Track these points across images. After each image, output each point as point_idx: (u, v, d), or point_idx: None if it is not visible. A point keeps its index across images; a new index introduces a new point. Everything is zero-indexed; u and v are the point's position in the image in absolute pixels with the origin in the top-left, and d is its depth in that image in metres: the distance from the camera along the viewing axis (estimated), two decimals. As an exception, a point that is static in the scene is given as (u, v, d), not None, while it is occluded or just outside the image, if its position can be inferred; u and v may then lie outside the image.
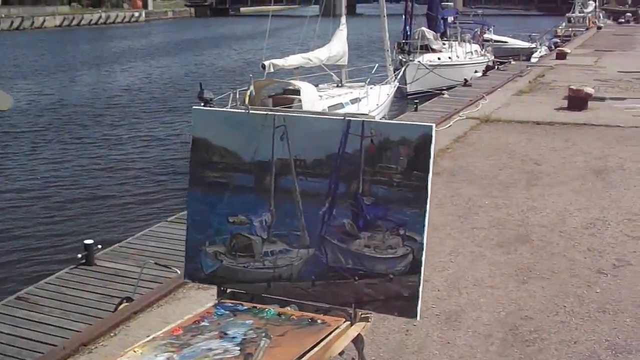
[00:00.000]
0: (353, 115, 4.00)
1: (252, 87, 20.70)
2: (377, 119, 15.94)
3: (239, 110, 4.59)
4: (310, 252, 3.96)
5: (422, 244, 3.79)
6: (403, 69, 32.76)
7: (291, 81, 23.79)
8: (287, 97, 22.92)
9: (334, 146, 3.83)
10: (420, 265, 3.77)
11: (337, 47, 26.44)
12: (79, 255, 10.89)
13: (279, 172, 3.97)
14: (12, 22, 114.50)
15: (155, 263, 10.38)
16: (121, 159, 24.31)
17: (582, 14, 76.48)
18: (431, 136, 3.81)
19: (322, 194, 3.89)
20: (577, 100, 20.17)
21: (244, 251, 4.09)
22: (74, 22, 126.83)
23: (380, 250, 3.83)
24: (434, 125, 3.97)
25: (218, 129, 4.07)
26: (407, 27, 38.03)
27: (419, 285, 3.75)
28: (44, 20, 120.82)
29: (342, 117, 3.87)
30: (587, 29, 69.26)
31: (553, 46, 52.19)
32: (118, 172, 22.50)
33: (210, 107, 20.27)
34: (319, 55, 25.54)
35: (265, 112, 4.07)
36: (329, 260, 3.92)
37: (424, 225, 3.80)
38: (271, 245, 4.03)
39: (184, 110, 31.20)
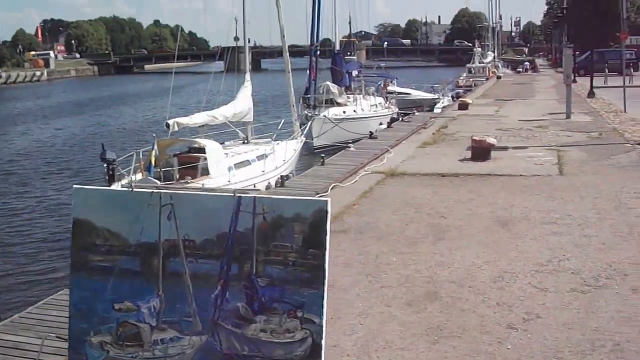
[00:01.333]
0: (244, 191, 3.79)
1: (156, 147, 20.34)
2: (274, 190, 15.68)
3: (122, 189, 4.33)
4: (203, 339, 3.70)
5: (321, 326, 3.57)
6: (309, 123, 32.95)
7: (196, 139, 23.56)
8: (192, 155, 22.69)
9: (225, 225, 3.61)
10: (321, 349, 3.55)
11: (242, 104, 26.44)
12: (-26, 329, 10.34)
13: (166, 254, 3.71)
14: None
15: (57, 336, 9.90)
16: (18, 225, 23.61)
17: (481, 64, 78.67)
18: (327, 211, 3.62)
19: (213, 276, 3.65)
20: (481, 151, 20.39)
21: (131, 340, 3.81)
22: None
23: (278, 334, 3.60)
24: (329, 200, 3.78)
25: (101, 209, 3.80)
26: (312, 82, 38.31)
27: (321, 370, 3.52)
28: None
29: (232, 194, 3.65)
30: (487, 78, 71.11)
31: (455, 97, 53.29)
32: (15, 239, 21.82)
33: (113, 168, 19.99)
34: (224, 113, 25.47)
35: (150, 191, 3.82)
36: (223, 347, 3.67)
37: (322, 306, 3.58)
38: (161, 333, 3.75)
39: (86, 173, 30.61)
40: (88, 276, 3.90)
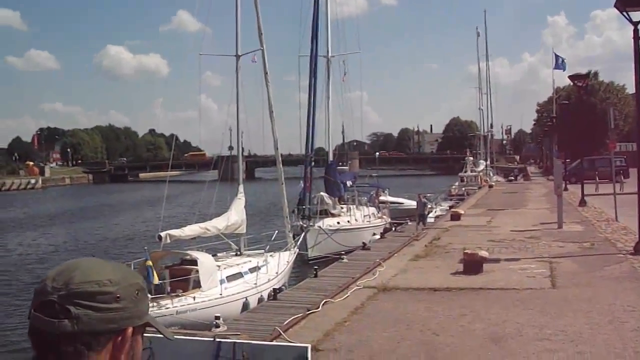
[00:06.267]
0: (224, 336, 3.72)
1: (148, 263, 20.23)
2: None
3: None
4: None
5: None
6: (303, 234, 32.93)
7: (188, 251, 23.52)
8: (184, 267, 22.64)
9: (204, 370, 3.54)
10: None
11: (235, 216, 26.54)
12: None
13: (144, 400, 3.63)
14: None
15: None
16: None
17: (474, 173, 79.25)
18: (307, 358, 3.55)
19: None
20: (473, 264, 20.33)
21: None
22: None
23: None
24: (309, 346, 3.72)
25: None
26: (305, 192, 38.41)
27: None
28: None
29: (212, 339, 3.58)
30: (479, 187, 71.52)
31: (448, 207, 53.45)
32: None
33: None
34: (216, 225, 25.54)
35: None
36: None
37: None
38: None
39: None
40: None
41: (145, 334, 3.71)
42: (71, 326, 1.74)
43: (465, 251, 21.27)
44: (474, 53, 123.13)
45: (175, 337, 4.04)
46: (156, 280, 19.78)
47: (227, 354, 3.29)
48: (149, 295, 1.94)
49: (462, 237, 28.52)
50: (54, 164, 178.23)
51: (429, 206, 51.24)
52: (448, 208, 50.83)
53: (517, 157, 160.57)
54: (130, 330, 1.85)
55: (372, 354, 12.43)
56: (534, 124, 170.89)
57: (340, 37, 48.96)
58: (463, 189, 69.84)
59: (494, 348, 12.63)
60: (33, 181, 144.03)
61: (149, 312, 1.98)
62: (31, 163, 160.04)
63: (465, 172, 78.44)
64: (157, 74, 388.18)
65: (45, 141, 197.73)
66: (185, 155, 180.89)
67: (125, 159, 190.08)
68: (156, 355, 3.61)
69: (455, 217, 37.36)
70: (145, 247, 22.25)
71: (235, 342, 3.23)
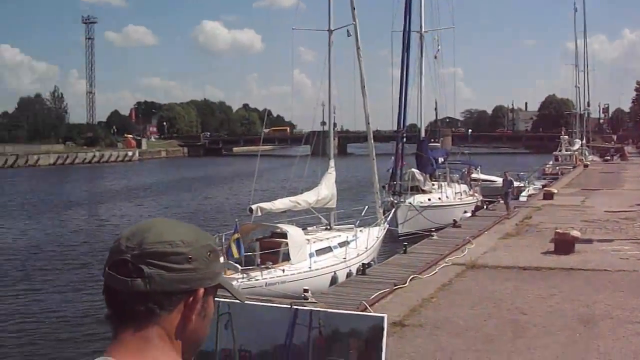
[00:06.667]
0: (301, 304, 3.78)
1: (236, 235, 20.50)
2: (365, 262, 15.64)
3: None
4: None
5: None
6: (393, 210, 32.82)
7: (278, 225, 23.70)
8: (274, 240, 22.82)
9: (281, 337, 3.58)
10: None
11: (325, 190, 26.53)
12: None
13: (223, 364, 3.72)
14: (6, 160, 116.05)
15: None
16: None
17: (568, 152, 77.62)
18: (383, 328, 3.57)
19: (268, 388, 3.62)
20: (564, 244, 20.00)
21: None
22: (68, 161, 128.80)
23: None
24: (385, 316, 3.73)
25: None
26: (397, 168, 38.23)
27: None
28: (39, 159, 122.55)
29: (289, 307, 3.63)
30: (574, 166, 70.11)
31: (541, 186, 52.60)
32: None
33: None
34: (307, 199, 25.60)
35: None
36: None
37: None
38: None
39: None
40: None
41: (224, 300, 3.80)
42: (144, 285, 1.76)
43: (557, 230, 20.93)
44: (571, 29, 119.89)
45: (253, 303, 4.12)
46: (236, 254, 20.02)
47: (303, 321, 3.33)
48: (221, 258, 1.93)
49: (554, 217, 28.06)
50: (150, 137, 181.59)
51: (521, 185, 50.55)
52: (541, 187, 49.97)
53: (614, 137, 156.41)
54: (201, 291, 1.85)
55: (458, 331, 12.38)
56: (633, 103, 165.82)
57: (433, 12, 48.34)
58: (557, 168, 68.56)
59: (582, 329, 12.44)
60: (130, 154, 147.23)
61: (222, 275, 1.98)
62: (130, 136, 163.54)
63: (560, 151, 76.92)
64: (251, 49, 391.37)
65: (143, 115, 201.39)
66: (266, 130, 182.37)
67: (208, 133, 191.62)
68: (234, 321, 3.67)
69: (548, 196, 36.76)
70: (236, 220, 22.55)
71: (312, 310, 3.28)
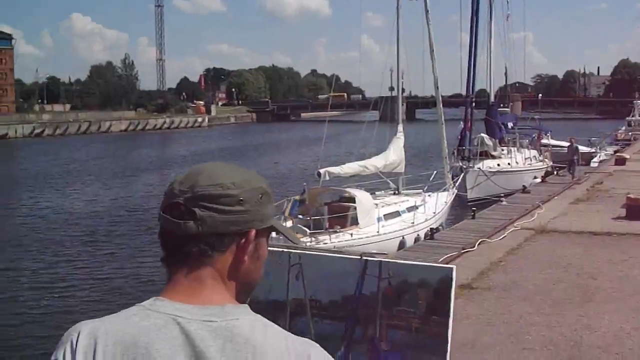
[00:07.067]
0: (371, 255, 3.84)
1: (302, 196, 20.73)
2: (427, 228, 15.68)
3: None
4: (326, 399, 3.75)
5: (441, 395, 3.53)
6: (462, 175, 32.68)
7: (347, 189, 23.79)
8: (342, 204, 22.95)
9: (351, 287, 3.65)
10: (441, 419, 3.51)
11: (393, 155, 26.52)
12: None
13: (293, 313, 3.79)
14: (79, 126, 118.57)
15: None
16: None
17: (642, 117, 75.93)
18: (452, 279, 3.61)
19: (338, 337, 3.69)
20: (636, 210, 19.66)
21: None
22: (139, 127, 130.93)
23: (398, 399, 3.60)
24: (454, 267, 3.77)
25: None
26: (466, 133, 37.99)
27: None
28: (110, 125, 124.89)
29: (359, 257, 3.70)
30: (648, 132, 68.63)
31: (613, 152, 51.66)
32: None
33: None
34: (375, 164, 25.64)
35: (280, 249, 3.93)
36: (345, 407, 3.70)
37: (444, 376, 3.55)
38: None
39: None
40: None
41: (295, 251, 3.90)
42: (196, 227, 1.79)
43: (629, 196, 20.59)
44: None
45: (324, 254, 4.20)
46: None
47: (373, 272, 3.39)
48: (274, 200, 1.98)
49: (626, 182, 27.56)
50: (219, 104, 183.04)
51: (592, 150, 49.76)
52: (613, 153, 49.11)
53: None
54: (253, 232, 1.86)
55: (526, 294, 12.33)
56: None
57: (503, -26, 47.48)
58: (630, 133, 67.18)
59: (654, 295, 12.28)
60: (200, 119, 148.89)
61: (274, 217, 1.98)
62: (200, 102, 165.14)
63: (633, 116, 75.28)
64: (318, 15, 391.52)
65: (211, 81, 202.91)
66: (323, 96, 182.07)
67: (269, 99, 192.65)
68: (305, 272, 3.76)
69: (620, 161, 36.14)
70: (304, 183, 22.70)
71: (381, 261, 3.34)
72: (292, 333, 3.66)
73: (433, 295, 3.57)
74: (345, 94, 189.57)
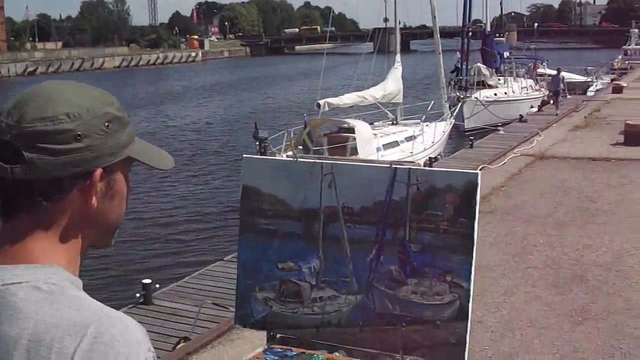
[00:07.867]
0: (399, 163, 4.06)
1: (307, 129, 20.88)
2: (427, 162, 15.87)
3: (288, 159, 4.70)
4: (358, 299, 3.98)
5: (468, 290, 3.78)
6: (459, 105, 32.79)
7: (346, 119, 23.92)
8: (341, 135, 23.06)
9: (381, 194, 3.86)
10: (467, 312, 3.76)
11: (392, 85, 26.58)
12: (138, 295, 11.07)
13: (327, 220, 4.01)
14: (72, 64, 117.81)
15: (213, 303, 10.49)
16: (177, 199, 24.57)
17: (638, 47, 75.68)
18: (477, 184, 3.84)
19: (369, 241, 3.92)
20: (634, 136, 19.89)
21: (293, 297, 4.13)
22: (133, 63, 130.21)
23: (427, 296, 3.83)
24: (479, 172, 4.00)
25: (267, 177, 4.13)
26: (463, 63, 38.02)
27: (466, 332, 3.74)
28: (104, 62, 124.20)
29: (389, 165, 3.92)
30: (644, 61, 68.50)
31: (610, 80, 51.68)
32: (174, 213, 22.74)
33: (264, 146, 20.71)
34: (373, 94, 25.72)
35: (313, 160, 4.14)
36: (376, 306, 3.93)
37: (470, 272, 3.79)
38: (320, 291, 4.05)
39: (239, 150, 31.47)
40: (255, 237, 4.26)
41: (327, 161, 4.11)
42: (24, 173, 1.46)
43: (627, 122, 20.80)
44: None
45: (355, 163, 4.42)
46: (311, 147, 20.41)
47: (402, 178, 3.59)
48: (129, 122, 1.67)
49: (623, 110, 27.72)
50: (212, 38, 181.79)
51: (589, 80, 49.78)
52: (609, 81, 49.14)
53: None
54: (99, 171, 1.54)
55: (528, 217, 12.64)
56: None
57: None
58: (626, 62, 67.06)
59: (652, 216, 12.58)
60: (193, 54, 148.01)
61: (131, 145, 1.64)
62: (194, 37, 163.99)
63: (630, 45, 75.06)
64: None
65: (204, 15, 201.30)
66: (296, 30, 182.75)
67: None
68: (337, 180, 3.98)
69: (617, 89, 36.23)
70: (305, 114, 22.82)
71: (410, 168, 3.54)
72: (326, 238, 3.89)
73: (459, 198, 3.79)
74: (318, 27, 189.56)
